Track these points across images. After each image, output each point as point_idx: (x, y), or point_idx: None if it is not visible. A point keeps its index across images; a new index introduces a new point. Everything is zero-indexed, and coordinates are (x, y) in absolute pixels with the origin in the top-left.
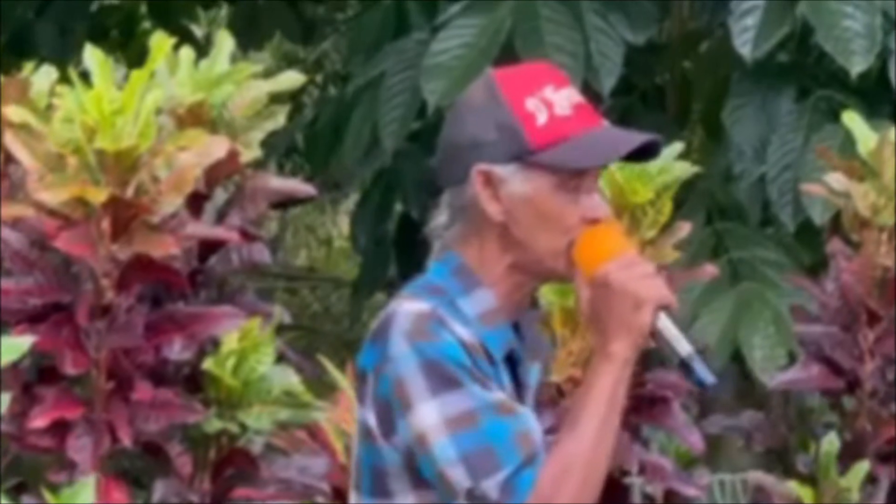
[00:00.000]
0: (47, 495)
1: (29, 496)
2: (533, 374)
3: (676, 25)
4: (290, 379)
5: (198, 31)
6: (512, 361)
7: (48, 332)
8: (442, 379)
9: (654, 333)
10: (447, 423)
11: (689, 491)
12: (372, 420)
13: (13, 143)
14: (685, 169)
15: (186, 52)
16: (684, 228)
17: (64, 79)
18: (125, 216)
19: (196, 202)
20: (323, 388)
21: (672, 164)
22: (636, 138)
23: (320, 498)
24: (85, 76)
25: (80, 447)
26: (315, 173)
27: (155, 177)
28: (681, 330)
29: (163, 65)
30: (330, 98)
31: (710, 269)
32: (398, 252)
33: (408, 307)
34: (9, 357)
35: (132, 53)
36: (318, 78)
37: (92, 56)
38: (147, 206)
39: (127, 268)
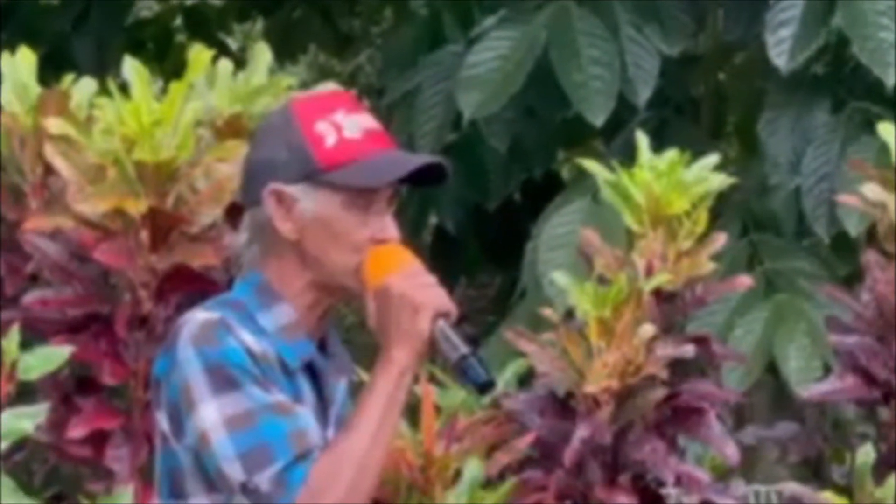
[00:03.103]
0: None
1: None
2: (339, 389)
3: (711, 37)
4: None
5: (233, 44)
6: (314, 375)
7: (87, 343)
8: (223, 381)
9: (433, 339)
10: (226, 422)
11: (725, 502)
12: (165, 425)
13: (53, 154)
14: (721, 180)
15: (224, 65)
16: (720, 240)
17: (103, 91)
18: (164, 227)
19: (234, 213)
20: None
21: (708, 175)
22: (418, 160)
23: None
24: (124, 88)
25: (118, 457)
26: None
27: (194, 188)
28: (459, 336)
29: (201, 77)
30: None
31: (744, 281)
32: (433, 264)
33: (197, 316)
34: (48, 367)
35: (168, 66)
36: (353, 91)
37: (131, 68)
38: (186, 217)
39: (165, 278)
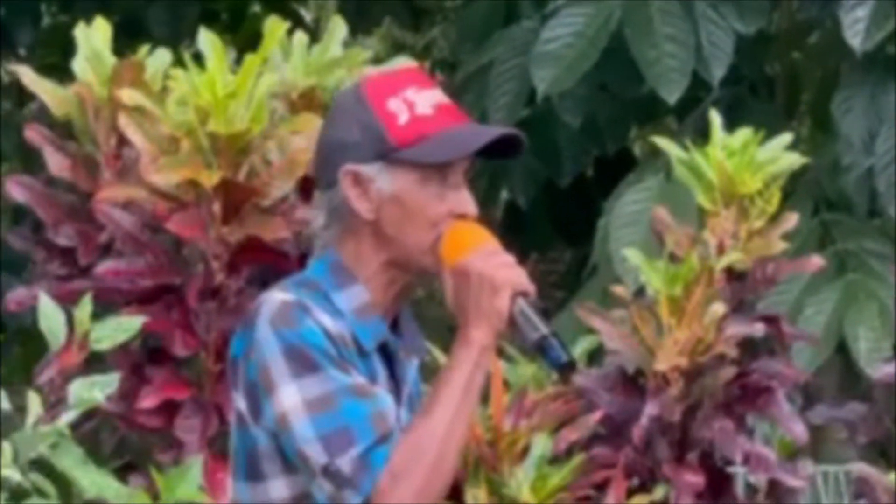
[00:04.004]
0: (155, 475)
1: (136, 476)
2: (411, 369)
3: (786, 16)
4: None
5: (307, 15)
6: (387, 355)
7: (158, 314)
8: (302, 363)
9: (513, 319)
10: (306, 404)
11: (793, 482)
12: (243, 405)
13: (127, 125)
14: (794, 159)
15: (300, 37)
16: (791, 219)
17: (178, 62)
18: (236, 199)
19: (307, 186)
20: (428, 371)
21: (781, 154)
22: (494, 131)
23: None
24: (198, 59)
25: (187, 428)
26: None
27: (267, 160)
28: (538, 315)
29: (276, 49)
30: (442, 84)
31: (815, 261)
32: (504, 239)
33: (275, 297)
34: (119, 337)
35: (241, 37)
36: (427, 65)
37: (206, 39)
38: (258, 189)
39: (237, 250)
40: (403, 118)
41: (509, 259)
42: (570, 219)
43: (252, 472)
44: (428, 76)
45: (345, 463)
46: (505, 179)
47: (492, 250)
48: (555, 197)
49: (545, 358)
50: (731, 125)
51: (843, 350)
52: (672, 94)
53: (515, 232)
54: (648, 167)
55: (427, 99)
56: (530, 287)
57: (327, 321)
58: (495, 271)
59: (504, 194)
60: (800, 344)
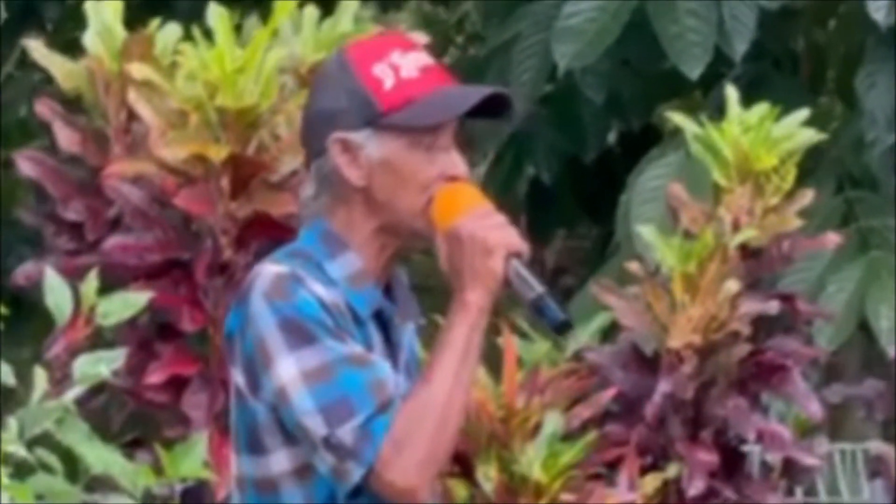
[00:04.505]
0: (160, 450)
1: (143, 452)
2: (406, 334)
3: None
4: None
5: None
6: (382, 321)
7: (166, 289)
8: (298, 335)
9: (507, 280)
10: (305, 376)
11: (808, 460)
12: (241, 380)
13: (136, 99)
14: (810, 135)
15: (310, 12)
16: (807, 196)
17: (188, 37)
18: (245, 174)
19: None
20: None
21: (797, 130)
22: (481, 91)
23: None
24: (208, 34)
25: (195, 403)
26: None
27: (276, 135)
28: (533, 275)
29: (287, 23)
30: (464, 59)
31: (832, 238)
32: (529, 215)
33: (268, 269)
34: (126, 312)
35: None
36: (459, 39)
37: (215, 14)
38: (267, 164)
39: (246, 226)
40: (389, 83)
41: (501, 219)
42: (594, 195)
43: (253, 446)
44: (410, 39)
45: (346, 434)
46: (529, 156)
47: (484, 212)
48: (579, 173)
49: (542, 317)
50: (754, 101)
51: (866, 328)
52: (694, 70)
53: (540, 209)
54: (671, 143)
55: (412, 62)
56: (524, 247)
57: (321, 291)
58: (488, 233)
59: (529, 171)
60: (821, 322)
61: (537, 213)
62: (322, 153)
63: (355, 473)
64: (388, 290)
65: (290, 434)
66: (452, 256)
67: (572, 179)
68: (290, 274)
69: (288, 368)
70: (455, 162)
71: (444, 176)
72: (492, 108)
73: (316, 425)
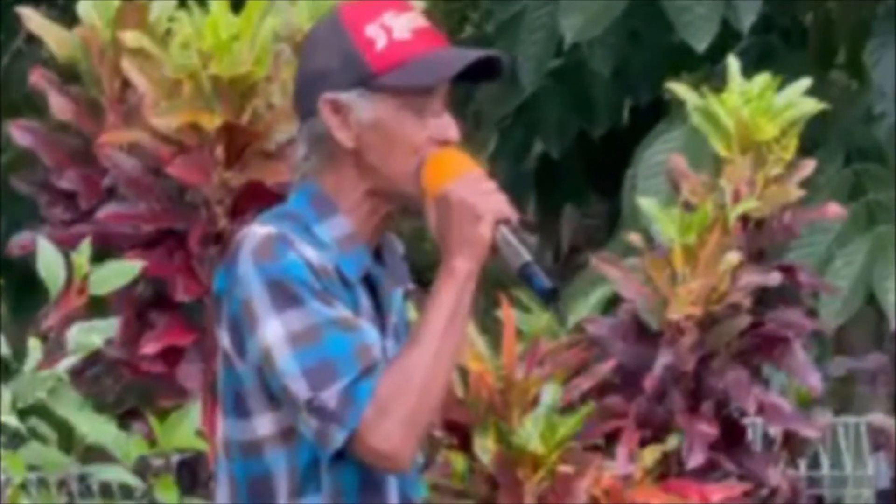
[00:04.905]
0: (153, 420)
1: (140, 422)
2: (395, 298)
3: None
4: (409, 313)
5: None
6: (371, 285)
7: (160, 259)
8: (285, 297)
9: (495, 247)
10: (290, 339)
11: (809, 432)
12: (227, 341)
13: (130, 68)
14: (812, 105)
15: None
16: (808, 166)
17: (182, 4)
18: (239, 143)
19: None
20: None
21: (798, 100)
22: (472, 54)
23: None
24: (203, 2)
25: (190, 373)
26: (455, 110)
27: (270, 104)
28: (521, 242)
29: None
30: (474, 34)
31: (833, 209)
32: (538, 190)
33: (256, 231)
34: (118, 281)
35: None
36: (475, 16)
37: None
38: (262, 133)
39: (240, 195)
40: (381, 43)
41: (490, 185)
42: (604, 169)
43: (238, 408)
44: (405, 0)
45: (329, 397)
46: (538, 131)
47: (474, 177)
48: (589, 148)
49: (529, 285)
50: (761, 73)
51: (875, 303)
52: (700, 43)
53: (549, 184)
54: (677, 117)
55: (405, 23)
56: (512, 214)
57: (310, 253)
58: (477, 199)
59: (537, 146)
60: (828, 296)
61: (546, 189)
62: (313, 114)
63: (338, 437)
64: (378, 254)
65: (275, 397)
66: (441, 221)
67: (582, 155)
68: (279, 235)
69: (273, 330)
70: (446, 125)
71: (434, 139)
72: (484, 71)
73: (299, 388)
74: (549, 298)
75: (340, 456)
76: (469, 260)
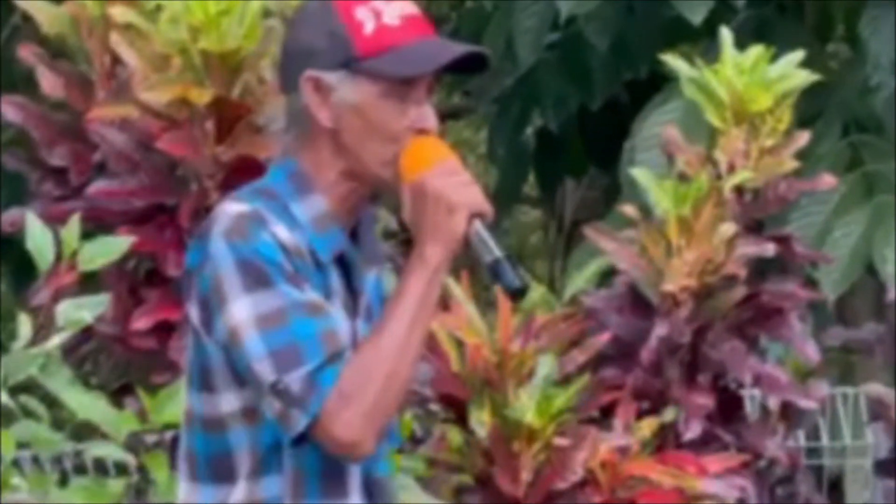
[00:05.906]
0: (143, 397)
1: (132, 399)
2: (369, 279)
3: None
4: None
5: None
6: (344, 265)
7: (151, 234)
8: (255, 277)
9: (468, 239)
10: (258, 320)
11: (806, 403)
12: (196, 317)
13: (119, 43)
14: (805, 76)
15: None
16: (803, 137)
17: None
18: (229, 117)
19: None
20: None
21: (792, 71)
22: (457, 49)
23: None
24: None
25: (181, 349)
26: (454, 85)
27: (261, 78)
28: (492, 237)
29: None
30: (472, 8)
31: (827, 179)
32: (536, 164)
33: (230, 208)
34: (109, 257)
35: None
36: None
37: None
38: (252, 107)
39: (231, 169)
40: (370, 27)
41: (467, 178)
42: (603, 143)
43: (204, 384)
44: None
45: (293, 381)
46: (536, 104)
47: (451, 168)
48: (587, 121)
49: (498, 281)
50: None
51: (875, 272)
52: (696, 15)
53: (548, 158)
54: (674, 89)
55: (395, 9)
56: (487, 208)
57: (283, 233)
58: (453, 191)
59: (536, 120)
60: (828, 266)
61: (545, 163)
62: (295, 89)
63: (300, 422)
64: (353, 234)
65: (241, 375)
66: (416, 210)
67: (580, 128)
68: (252, 213)
69: (241, 310)
70: (426, 115)
71: (414, 128)
72: (469, 65)
73: (264, 370)
74: (517, 296)
75: (303, 439)
76: (441, 249)
